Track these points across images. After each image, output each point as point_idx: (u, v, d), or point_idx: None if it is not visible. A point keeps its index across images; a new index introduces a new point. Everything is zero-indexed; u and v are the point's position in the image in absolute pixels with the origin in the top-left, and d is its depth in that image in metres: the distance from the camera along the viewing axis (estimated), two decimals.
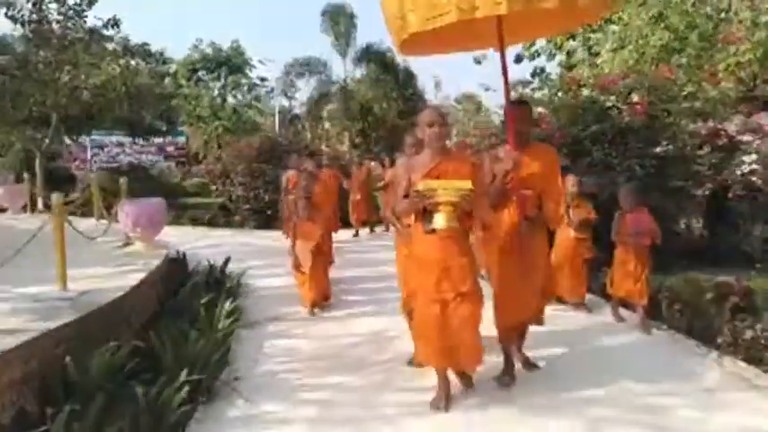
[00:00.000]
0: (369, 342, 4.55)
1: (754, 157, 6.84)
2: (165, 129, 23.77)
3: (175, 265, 6.18)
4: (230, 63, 27.33)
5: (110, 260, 5.70)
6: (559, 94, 9.24)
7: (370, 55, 24.09)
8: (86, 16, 13.24)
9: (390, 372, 3.93)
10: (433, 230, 3.12)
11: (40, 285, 4.27)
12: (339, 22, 24.59)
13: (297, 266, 5.44)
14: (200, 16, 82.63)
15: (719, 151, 6.88)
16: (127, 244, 6.63)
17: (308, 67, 24.98)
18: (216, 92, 27.38)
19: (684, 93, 8.33)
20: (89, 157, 23.04)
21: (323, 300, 5.53)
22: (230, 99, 27.74)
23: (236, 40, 27.76)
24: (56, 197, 4.42)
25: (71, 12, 13.02)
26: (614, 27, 12.95)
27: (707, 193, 6.75)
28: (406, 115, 22.70)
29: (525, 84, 21.26)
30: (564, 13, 3.34)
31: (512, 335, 3.74)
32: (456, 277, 3.18)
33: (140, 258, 5.82)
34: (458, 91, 37.20)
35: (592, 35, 14.92)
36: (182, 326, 4.03)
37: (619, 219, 5.13)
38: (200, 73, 27.16)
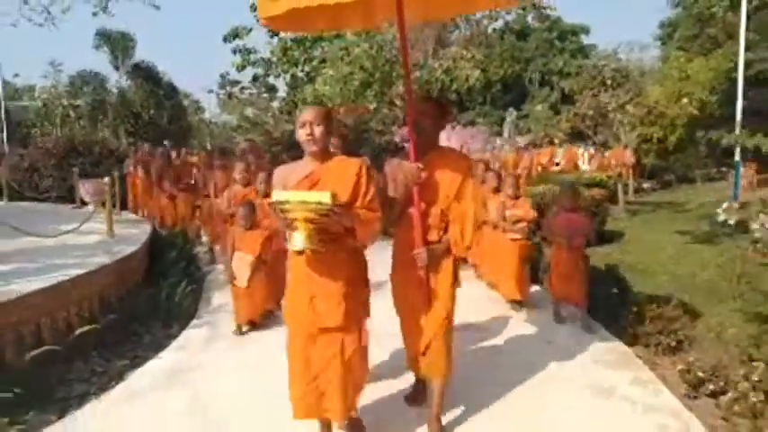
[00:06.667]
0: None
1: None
2: None
3: None
4: None
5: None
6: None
7: (140, 70, 29.56)
8: None
9: None
10: (300, 252, 2.55)
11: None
12: (115, 41, 30.09)
13: (231, 280, 4.96)
14: None
15: (391, 154, 11.81)
16: (81, 207, 8.99)
17: (85, 78, 29.05)
18: None
19: (372, 115, 13.39)
20: None
21: (257, 318, 5.04)
22: None
23: None
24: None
25: None
26: (330, 71, 17.62)
27: None
28: (175, 120, 28.66)
29: (235, 83, 25.70)
30: None
31: (417, 365, 3.12)
32: (321, 309, 2.68)
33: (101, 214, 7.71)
34: None
35: (308, 55, 19.48)
36: None
37: (552, 218, 4.99)
38: None
